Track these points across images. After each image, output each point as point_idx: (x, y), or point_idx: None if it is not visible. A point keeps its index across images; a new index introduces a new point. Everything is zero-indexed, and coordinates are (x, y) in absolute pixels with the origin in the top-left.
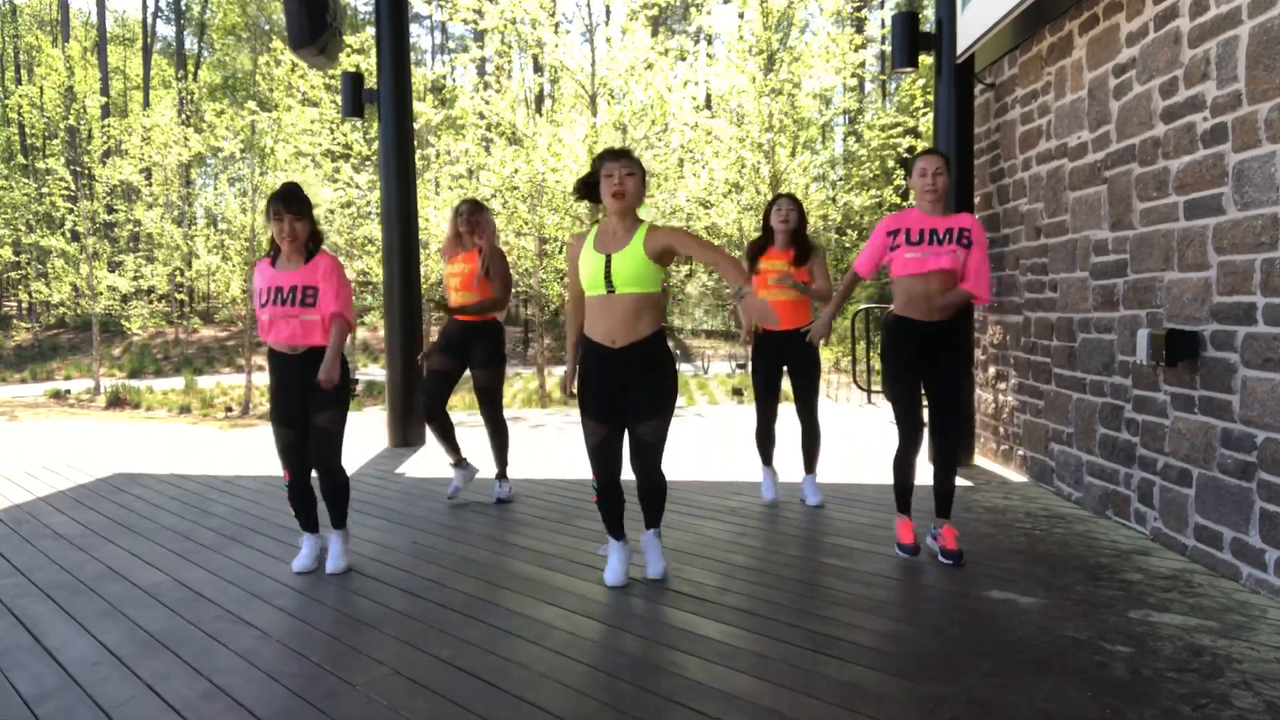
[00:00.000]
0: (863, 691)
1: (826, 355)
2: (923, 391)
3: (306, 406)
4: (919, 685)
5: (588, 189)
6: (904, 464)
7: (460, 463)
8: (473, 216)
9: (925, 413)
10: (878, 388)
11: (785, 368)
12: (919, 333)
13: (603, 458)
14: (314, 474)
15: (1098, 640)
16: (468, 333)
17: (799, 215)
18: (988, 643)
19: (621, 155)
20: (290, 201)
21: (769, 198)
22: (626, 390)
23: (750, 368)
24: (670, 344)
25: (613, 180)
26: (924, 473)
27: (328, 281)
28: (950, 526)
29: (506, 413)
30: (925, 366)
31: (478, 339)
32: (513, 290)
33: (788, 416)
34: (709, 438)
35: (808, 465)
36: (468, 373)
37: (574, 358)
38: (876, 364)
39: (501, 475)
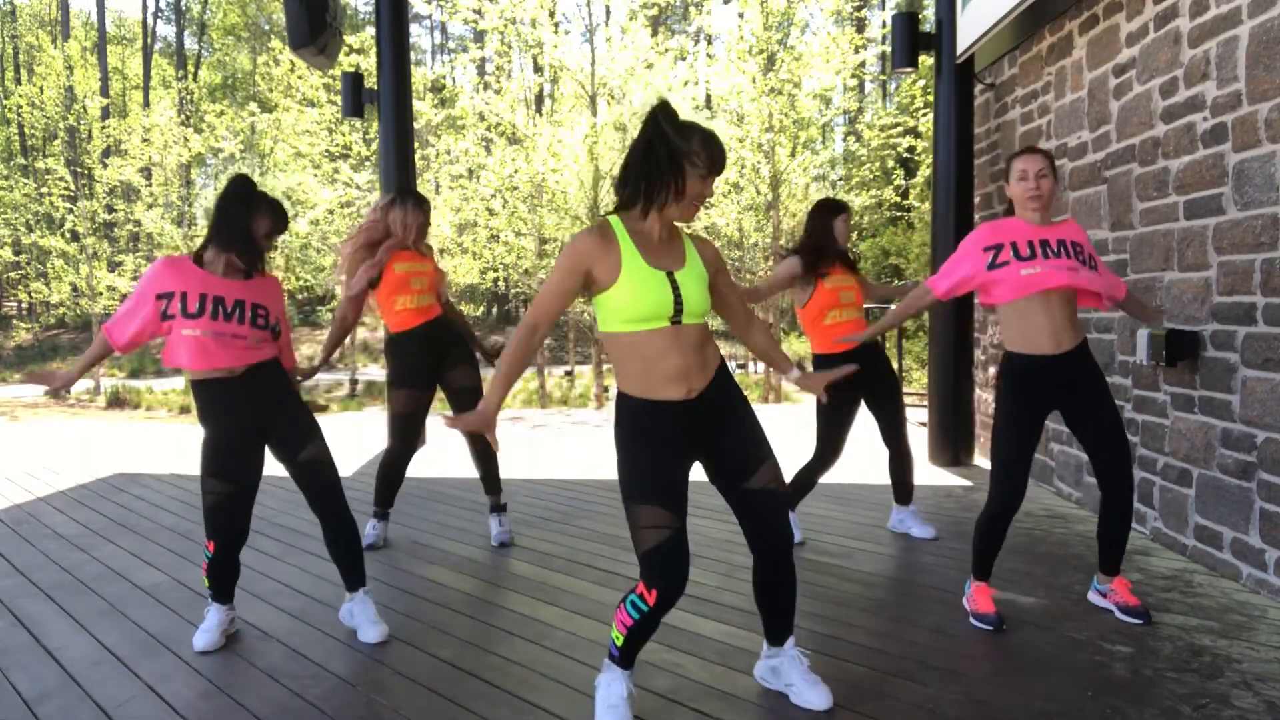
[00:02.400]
0: (863, 691)
1: None
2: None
3: (260, 444)
4: (919, 685)
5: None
6: (995, 530)
7: (385, 515)
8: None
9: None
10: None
11: (864, 395)
12: (1055, 368)
13: (674, 559)
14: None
15: (1098, 640)
16: (440, 332)
17: None
18: (988, 643)
19: (724, 159)
20: (285, 218)
21: (769, 199)
22: (700, 449)
23: (818, 403)
24: None
25: (707, 187)
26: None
27: (279, 309)
28: (1124, 578)
29: (506, 413)
30: (1068, 410)
31: (455, 336)
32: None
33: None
34: None
35: (904, 495)
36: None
37: (504, 391)
38: None
39: (498, 507)
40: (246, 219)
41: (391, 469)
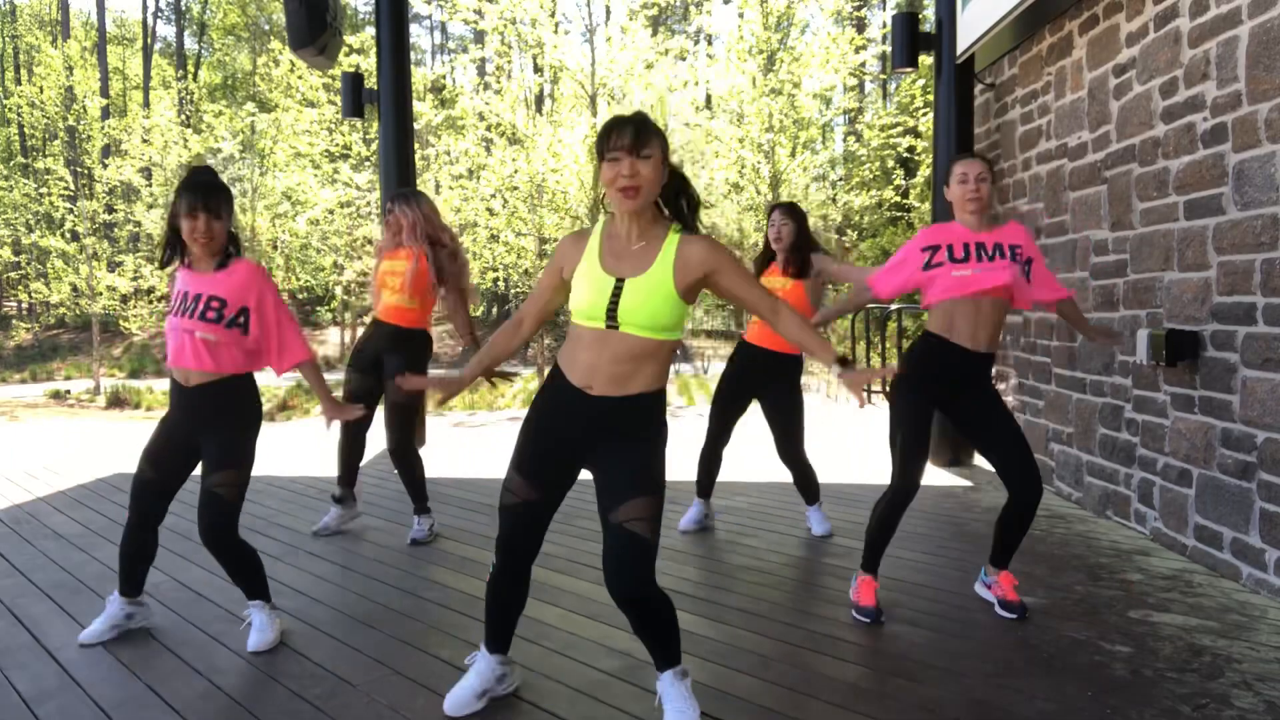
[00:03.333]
0: (862, 691)
1: None
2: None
3: (189, 456)
4: (919, 685)
5: None
6: (888, 522)
7: (345, 498)
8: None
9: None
10: (877, 388)
11: (761, 399)
12: (960, 361)
13: (515, 528)
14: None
15: (1098, 640)
16: (392, 337)
17: (795, 228)
18: (988, 643)
19: (630, 130)
20: (210, 195)
21: (769, 199)
22: (591, 454)
23: (722, 376)
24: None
25: (620, 168)
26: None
27: (271, 309)
28: (1009, 574)
29: (506, 413)
30: (959, 404)
31: (401, 346)
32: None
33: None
34: None
35: (809, 499)
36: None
37: (475, 370)
38: (876, 364)
39: (420, 510)
40: (175, 207)
41: (342, 442)
